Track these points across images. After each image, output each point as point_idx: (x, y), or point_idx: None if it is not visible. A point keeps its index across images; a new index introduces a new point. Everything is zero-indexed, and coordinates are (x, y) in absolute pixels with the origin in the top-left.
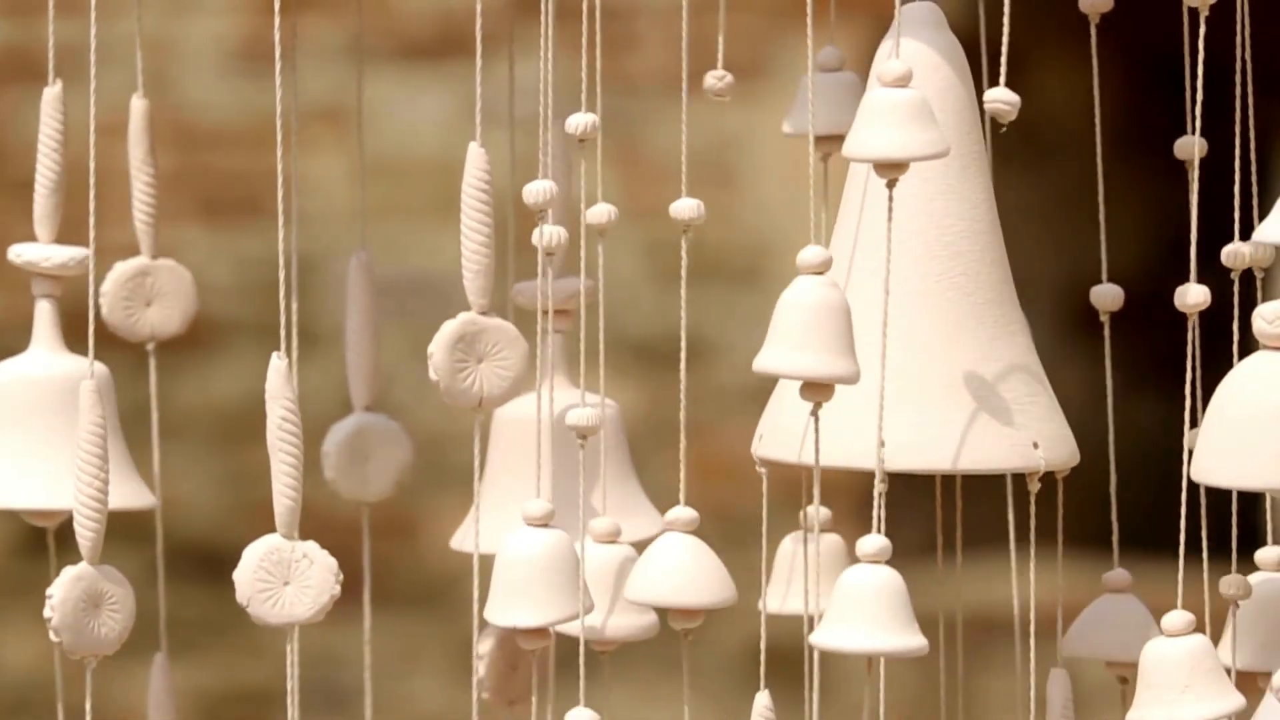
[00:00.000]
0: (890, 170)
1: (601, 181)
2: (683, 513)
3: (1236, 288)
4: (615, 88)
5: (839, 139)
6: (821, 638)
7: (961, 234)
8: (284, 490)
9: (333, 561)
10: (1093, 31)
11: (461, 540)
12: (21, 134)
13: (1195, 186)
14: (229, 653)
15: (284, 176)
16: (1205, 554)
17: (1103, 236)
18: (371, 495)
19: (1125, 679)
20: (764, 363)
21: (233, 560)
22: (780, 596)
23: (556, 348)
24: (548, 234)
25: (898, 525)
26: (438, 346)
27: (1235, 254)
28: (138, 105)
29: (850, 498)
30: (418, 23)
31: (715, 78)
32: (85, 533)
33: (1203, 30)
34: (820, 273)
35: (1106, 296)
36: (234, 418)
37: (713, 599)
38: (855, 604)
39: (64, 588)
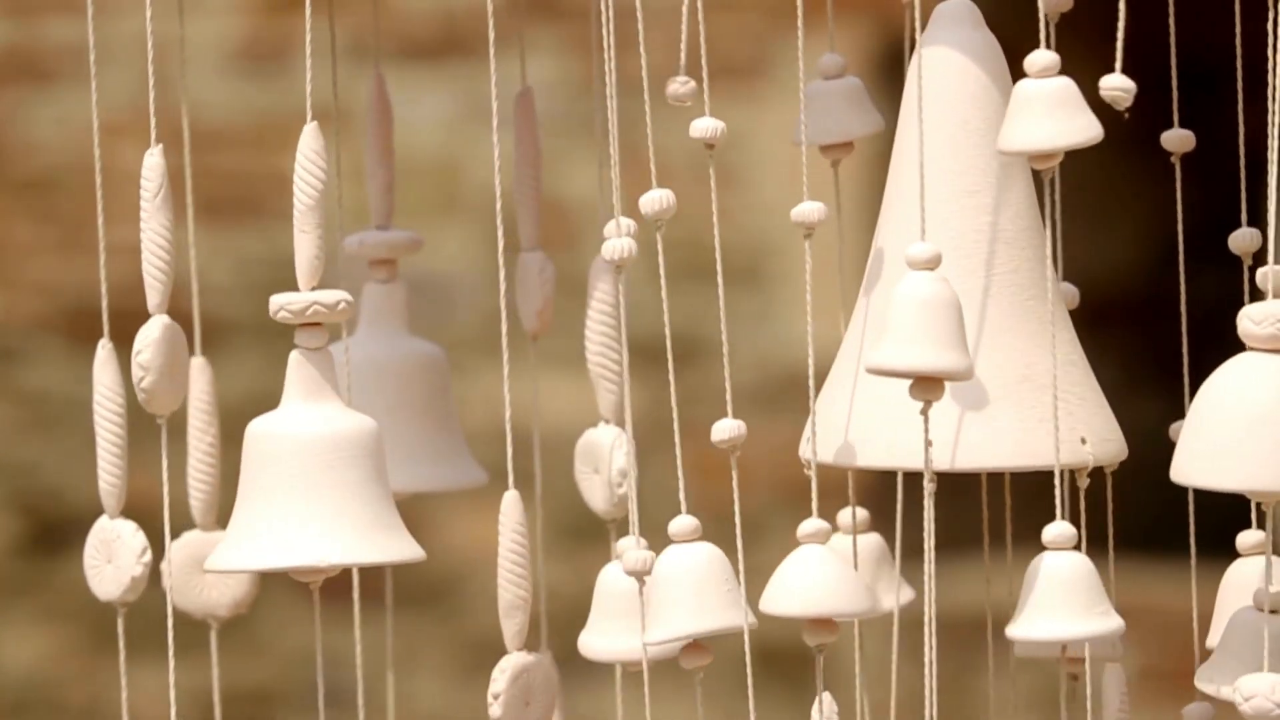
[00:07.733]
0: (1043, 160)
1: (602, 183)
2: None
3: (1246, 275)
4: (615, 88)
5: (847, 146)
6: (1020, 629)
7: (1006, 232)
8: (105, 470)
9: (138, 543)
10: (1051, 32)
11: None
12: (22, 134)
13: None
14: (229, 653)
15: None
16: (1194, 552)
17: (1056, 235)
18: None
19: (1076, 675)
20: (877, 361)
21: None
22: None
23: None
24: (622, 247)
25: (911, 523)
26: None
27: (1242, 238)
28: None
29: (870, 496)
30: (419, 23)
31: (679, 83)
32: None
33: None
34: (930, 268)
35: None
36: (234, 417)
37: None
38: (1049, 592)
39: (178, 553)
